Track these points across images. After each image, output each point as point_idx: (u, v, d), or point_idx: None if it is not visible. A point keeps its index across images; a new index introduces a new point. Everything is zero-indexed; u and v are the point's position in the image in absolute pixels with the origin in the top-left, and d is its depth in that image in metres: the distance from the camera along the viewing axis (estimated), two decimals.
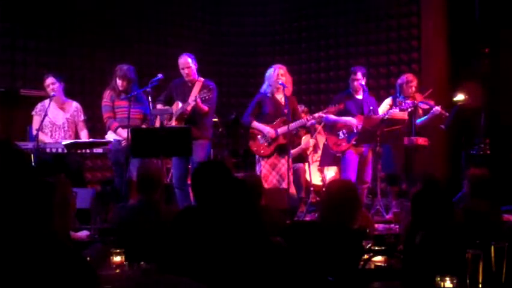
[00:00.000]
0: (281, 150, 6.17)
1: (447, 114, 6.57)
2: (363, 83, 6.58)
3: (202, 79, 6.20)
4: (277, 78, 6.16)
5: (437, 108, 6.52)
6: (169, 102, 6.20)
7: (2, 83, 7.07)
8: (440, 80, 7.51)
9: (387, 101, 6.76)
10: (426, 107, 6.61)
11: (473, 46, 7.57)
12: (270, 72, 6.26)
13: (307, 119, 6.27)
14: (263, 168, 6.20)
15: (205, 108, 5.96)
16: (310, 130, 7.46)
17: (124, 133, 5.94)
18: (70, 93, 6.73)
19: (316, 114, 6.26)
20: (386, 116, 6.33)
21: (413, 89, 6.66)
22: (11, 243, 1.97)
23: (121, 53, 7.75)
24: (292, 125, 6.12)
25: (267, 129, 6.19)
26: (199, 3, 9.30)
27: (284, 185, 6.04)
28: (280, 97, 6.23)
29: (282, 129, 6.13)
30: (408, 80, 6.70)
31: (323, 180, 7.22)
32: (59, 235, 2.22)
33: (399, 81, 6.82)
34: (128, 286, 1.98)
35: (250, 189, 3.83)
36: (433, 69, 7.72)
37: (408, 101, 6.45)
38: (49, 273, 1.82)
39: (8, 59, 7.34)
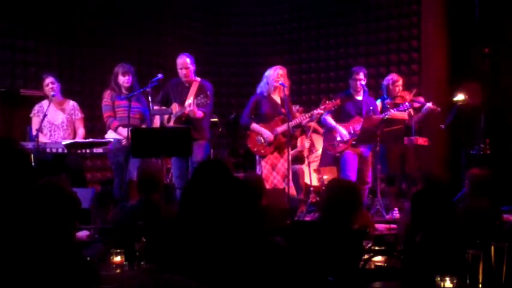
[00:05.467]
0: (281, 149, 6.18)
1: (439, 109, 6.56)
2: (364, 83, 6.59)
3: (198, 79, 6.20)
4: (277, 78, 6.17)
5: (429, 104, 6.51)
6: (166, 103, 6.21)
7: (2, 83, 7.07)
8: (440, 80, 7.51)
9: (377, 103, 6.77)
10: (417, 105, 6.61)
11: (473, 46, 7.57)
12: (271, 71, 6.27)
13: (305, 117, 6.27)
14: (264, 169, 6.22)
15: (201, 114, 5.95)
16: (305, 130, 7.45)
17: (124, 132, 5.95)
18: (70, 93, 6.74)
19: (315, 111, 6.24)
20: (386, 116, 6.33)
21: (399, 88, 6.68)
22: (12, 242, 1.97)
23: (121, 53, 7.75)
24: (291, 123, 6.12)
25: (266, 134, 6.20)
26: (200, 3, 9.30)
27: (285, 185, 6.05)
28: (276, 97, 6.25)
29: (281, 128, 6.15)
30: (394, 80, 6.72)
31: (320, 180, 7.22)
32: (62, 235, 2.23)
33: (384, 82, 6.85)
34: (128, 286, 1.98)
35: (251, 189, 3.84)
36: (433, 69, 7.73)
37: (406, 103, 6.45)
38: (50, 272, 1.82)
39: (8, 59, 7.34)
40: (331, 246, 3.13)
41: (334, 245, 3.14)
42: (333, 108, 6.29)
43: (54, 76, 6.24)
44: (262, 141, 6.24)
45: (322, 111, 6.24)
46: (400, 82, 6.71)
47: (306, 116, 6.26)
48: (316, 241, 3.17)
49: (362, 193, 6.24)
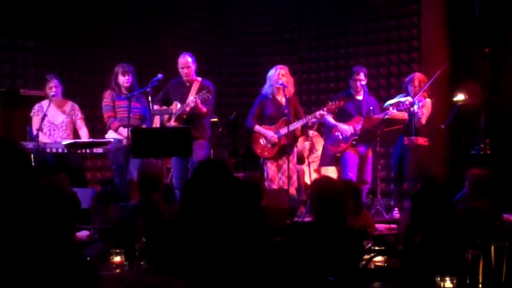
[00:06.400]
0: (284, 151, 6.19)
1: (423, 113, 6.51)
2: (364, 83, 6.59)
3: (199, 79, 6.22)
4: (278, 78, 6.18)
5: (416, 106, 6.43)
6: (166, 102, 6.23)
7: (2, 83, 7.07)
8: (440, 80, 7.50)
9: (398, 99, 6.70)
10: (417, 106, 6.57)
11: (473, 46, 7.56)
12: (272, 72, 6.29)
13: (308, 118, 6.28)
14: (269, 170, 6.25)
15: (204, 109, 5.98)
16: (305, 132, 7.44)
17: (124, 132, 5.96)
18: (70, 93, 6.74)
19: (317, 113, 6.25)
20: (386, 116, 6.33)
21: (416, 88, 6.62)
22: (12, 243, 1.97)
23: (121, 53, 7.75)
24: (293, 125, 6.13)
25: (270, 134, 6.22)
26: (200, 3, 9.30)
27: (290, 186, 6.08)
28: (281, 98, 6.25)
29: (283, 130, 6.15)
30: (411, 78, 6.70)
31: None
32: (61, 235, 2.22)
33: (406, 79, 6.82)
34: (128, 286, 1.98)
35: (252, 189, 3.84)
36: (433, 69, 7.71)
37: (407, 102, 6.44)
38: (50, 272, 1.82)
39: (8, 59, 7.34)
40: (331, 247, 3.13)
41: (334, 245, 3.14)
42: (336, 110, 6.31)
43: (58, 79, 6.25)
44: (265, 142, 6.26)
45: (324, 113, 6.25)
46: (417, 82, 6.59)
47: (309, 117, 6.27)
48: (316, 241, 3.17)
49: (361, 193, 6.26)
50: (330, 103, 6.24)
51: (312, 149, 7.47)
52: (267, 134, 6.24)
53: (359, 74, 6.54)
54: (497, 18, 7.48)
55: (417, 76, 6.73)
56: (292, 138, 6.24)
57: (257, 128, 6.31)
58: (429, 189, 3.18)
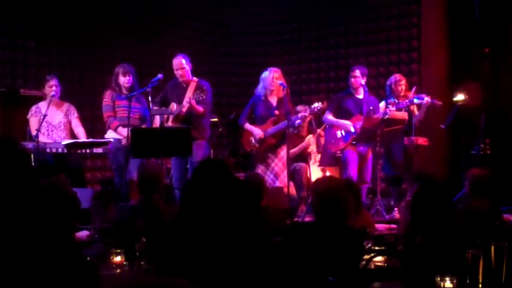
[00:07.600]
0: (272, 150, 6.26)
1: (440, 102, 6.52)
2: (363, 82, 6.60)
3: (196, 79, 6.23)
4: (272, 82, 6.25)
5: (427, 99, 6.47)
6: (165, 103, 6.24)
7: (2, 83, 7.07)
8: (440, 80, 7.51)
9: (381, 105, 6.74)
10: (419, 102, 6.58)
11: (473, 46, 7.57)
12: (266, 74, 6.36)
13: (295, 118, 6.29)
14: (258, 169, 6.36)
15: (201, 109, 5.99)
16: (312, 131, 7.45)
17: (124, 132, 5.96)
18: (70, 93, 6.75)
19: (299, 114, 6.30)
20: (386, 116, 6.33)
21: (402, 87, 6.66)
22: (12, 243, 1.97)
23: (121, 53, 7.75)
24: (276, 127, 6.19)
25: (256, 131, 6.38)
26: (199, 3, 9.30)
27: (278, 184, 6.13)
28: (273, 99, 6.31)
29: (271, 130, 6.24)
30: (396, 79, 6.72)
31: None
32: (61, 235, 2.22)
33: (388, 82, 6.85)
34: (128, 286, 1.98)
35: (252, 188, 3.84)
36: (433, 69, 7.72)
37: (406, 100, 6.45)
38: (50, 272, 1.82)
39: (8, 59, 7.33)
40: (331, 247, 3.13)
41: (334, 245, 3.14)
42: (319, 112, 6.36)
43: (58, 79, 6.27)
44: (253, 141, 6.39)
45: (306, 114, 6.28)
46: (403, 82, 6.69)
47: (292, 118, 6.26)
48: (316, 241, 3.18)
49: (361, 192, 6.26)
50: (313, 106, 6.27)
51: (319, 148, 7.47)
52: (254, 130, 6.39)
53: (354, 71, 6.61)
54: (497, 18, 7.49)
55: (401, 76, 6.78)
56: (281, 137, 6.27)
57: (247, 125, 6.51)
58: (429, 189, 3.18)
